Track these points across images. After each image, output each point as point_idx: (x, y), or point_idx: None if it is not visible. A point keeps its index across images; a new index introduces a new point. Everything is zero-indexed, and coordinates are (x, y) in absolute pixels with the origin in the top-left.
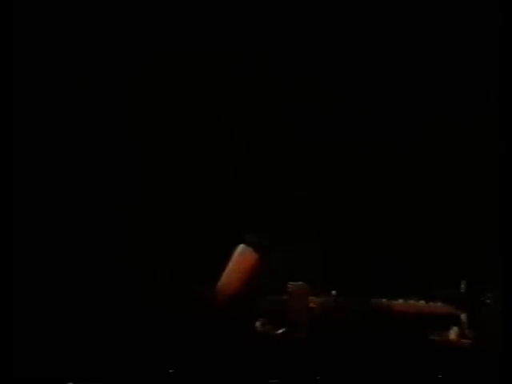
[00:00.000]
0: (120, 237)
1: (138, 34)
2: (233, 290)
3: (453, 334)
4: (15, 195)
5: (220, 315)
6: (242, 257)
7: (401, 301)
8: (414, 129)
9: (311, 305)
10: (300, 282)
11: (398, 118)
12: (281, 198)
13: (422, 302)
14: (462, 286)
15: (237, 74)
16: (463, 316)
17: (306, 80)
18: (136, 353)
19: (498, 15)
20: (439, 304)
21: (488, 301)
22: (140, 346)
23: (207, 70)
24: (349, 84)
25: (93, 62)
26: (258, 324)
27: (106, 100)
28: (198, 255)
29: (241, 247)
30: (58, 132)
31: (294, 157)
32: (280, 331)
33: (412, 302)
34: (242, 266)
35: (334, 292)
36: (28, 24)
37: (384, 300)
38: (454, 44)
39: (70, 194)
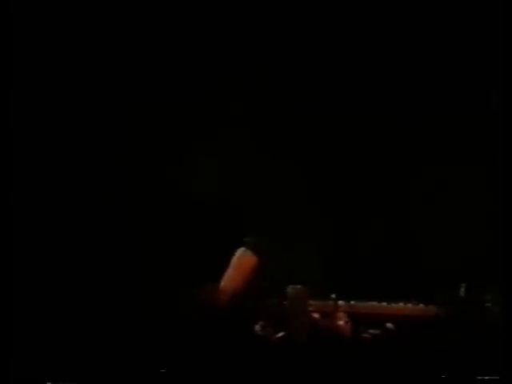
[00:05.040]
0: (120, 238)
1: (139, 34)
2: (233, 293)
3: (452, 336)
4: (17, 196)
5: (220, 317)
6: (241, 260)
7: (401, 304)
8: (412, 130)
9: (310, 308)
10: (299, 286)
11: (398, 120)
12: (280, 200)
13: (422, 306)
14: (462, 289)
15: (238, 75)
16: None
17: (306, 79)
18: (136, 354)
19: (497, 15)
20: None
21: (488, 304)
22: (140, 346)
23: (209, 71)
24: (349, 85)
25: (93, 62)
26: (257, 327)
27: (107, 101)
28: (198, 257)
29: (240, 250)
30: (59, 134)
31: (293, 158)
32: (279, 334)
33: (412, 305)
34: (241, 269)
35: (333, 295)
36: (28, 26)
37: (384, 303)
38: (455, 44)
39: (71, 196)
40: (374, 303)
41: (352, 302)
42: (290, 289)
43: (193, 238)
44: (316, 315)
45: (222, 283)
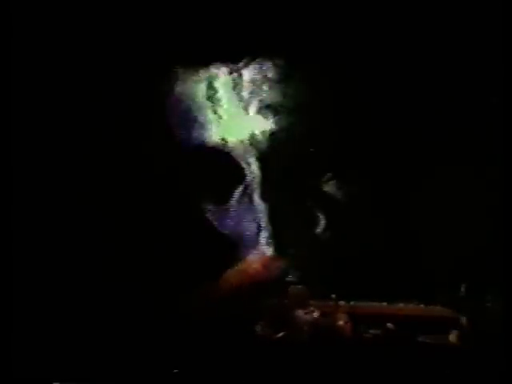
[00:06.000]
0: (120, 237)
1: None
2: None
3: (452, 337)
4: (17, 195)
5: (220, 317)
6: (252, 259)
7: (401, 305)
8: (411, 129)
9: (310, 308)
10: (299, 286)
11: (398, 119)
12: (281, 200)
13: (422, 306)
14: (462, 289)
15: None
16: (463, 319)
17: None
18: (137, 353)
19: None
20: (438, 308)
21: (488, 304)
22: (141, 346)
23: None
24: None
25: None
26: (258, 327)
27: (106, 101)
28: (197, 255)
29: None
30: (74, 138)
31: (294, 157)
32: (279, 334)
33: (412, 305)
34: (252, 267)
35: (333, 295)
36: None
37: (384, 304)
38: (455, 48)
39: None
40: (374, 303)
41: (352, 302)
42: (290, 289)
43: (193, 236)
44: (316, 315)
45: (228, 277)
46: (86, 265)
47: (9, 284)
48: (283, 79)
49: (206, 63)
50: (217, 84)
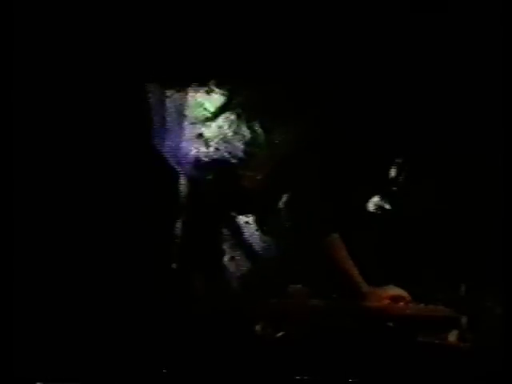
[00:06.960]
0: (119, 229)
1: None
2: None
3: (452, 337)
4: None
5: (219, 316)
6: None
7: (401, 303)
8: (413, 126)
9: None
10: (299, 286)
11: (398, 117)
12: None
13: (422, 305)
14: (462, 289)
15: None
16: (463, 319)
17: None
18: (136, 352)
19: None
20: (439, 307)
21: (488, 304)
22: (140, 345)
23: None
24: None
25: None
26: (257, 327)
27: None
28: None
29: None
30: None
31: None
32: (279, 334)
33: (413, 305)
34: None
35: (334, 295)
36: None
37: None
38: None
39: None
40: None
41: None
42: (290, 289)
43: (192, 227)
44: (316, 315)
45: None
46: (86, 264)
47: (9, 284)
48: (253, 104)
49: (177, 81)
50: (186, 102)
